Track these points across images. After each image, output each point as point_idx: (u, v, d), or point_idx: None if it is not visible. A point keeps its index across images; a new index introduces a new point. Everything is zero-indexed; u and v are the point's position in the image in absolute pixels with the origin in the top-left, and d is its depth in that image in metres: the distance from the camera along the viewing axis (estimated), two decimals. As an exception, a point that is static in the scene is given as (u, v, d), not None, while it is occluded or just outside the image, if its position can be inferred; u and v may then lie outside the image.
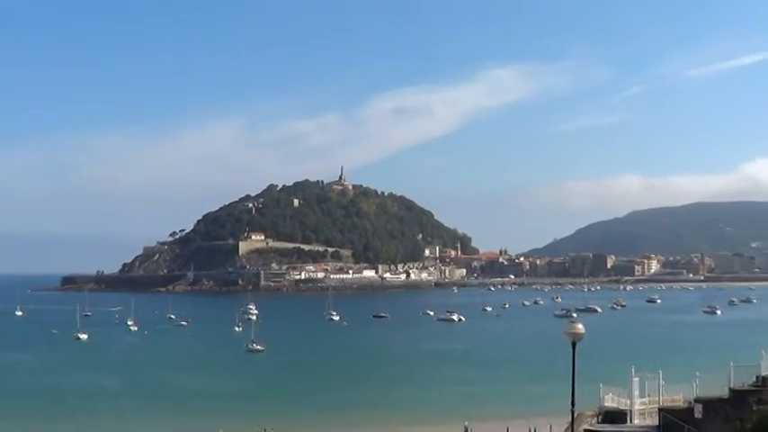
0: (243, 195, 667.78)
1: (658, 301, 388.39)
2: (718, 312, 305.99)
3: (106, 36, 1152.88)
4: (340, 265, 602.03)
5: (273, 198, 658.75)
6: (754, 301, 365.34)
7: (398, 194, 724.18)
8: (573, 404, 41.14)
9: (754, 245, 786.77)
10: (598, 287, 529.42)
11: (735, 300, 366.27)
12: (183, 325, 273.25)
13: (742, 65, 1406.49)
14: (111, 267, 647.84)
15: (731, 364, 68.74)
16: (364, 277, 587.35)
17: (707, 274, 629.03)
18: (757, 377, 65.70)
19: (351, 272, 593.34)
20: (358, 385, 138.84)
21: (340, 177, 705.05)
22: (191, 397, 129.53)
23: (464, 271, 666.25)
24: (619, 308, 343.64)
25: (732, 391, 66.07)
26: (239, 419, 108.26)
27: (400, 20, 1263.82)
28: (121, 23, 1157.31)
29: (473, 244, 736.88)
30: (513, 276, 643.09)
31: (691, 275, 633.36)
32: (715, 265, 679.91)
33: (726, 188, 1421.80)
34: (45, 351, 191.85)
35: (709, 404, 65.82)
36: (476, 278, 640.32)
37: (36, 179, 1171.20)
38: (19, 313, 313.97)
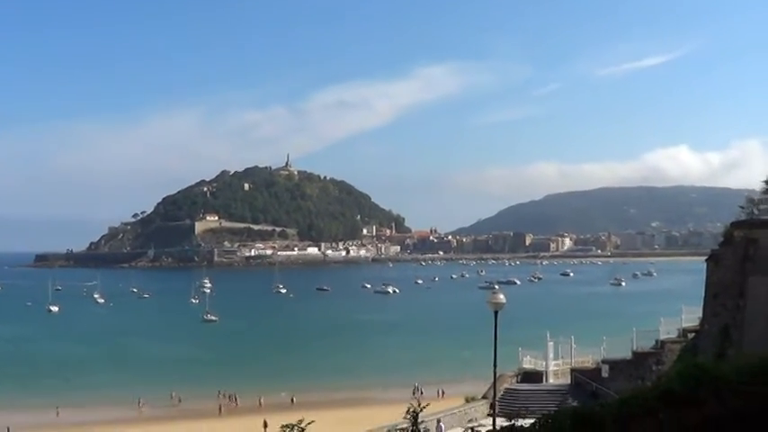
0: (198, 180, 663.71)
1: (571, 274, 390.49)
2: (623, 284, 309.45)
3: (72, 28, 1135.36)
4: (286, 242, 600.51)
5: (226, 183, 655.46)
6: (654, 274, 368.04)
7: (339, 179, 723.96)
8: (495, 366, 41.73)
9: (654, 225, 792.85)
10: (517, 262, 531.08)
11: (638, 273, 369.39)
12: (144, 297, 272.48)
13: (646, 66, 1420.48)
14: (80, 246, 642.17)
15: (634, 329, 70.00)
16: (308, 254, 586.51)
17: (613, 251, 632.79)
18: (656, 341, 66.85)
19: (296, 249, 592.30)
20: (303, 352, 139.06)
21: (286, 164, 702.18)
22: (152, 362, 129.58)
23: (398, 248, 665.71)
24: (536, 280, 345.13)
25: (634, 353, 67.22)
26: (195, 383, 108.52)
27: (342, 20, 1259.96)
28: (86, 16, 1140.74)
29: (406, 224, 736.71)
30: (442, 253, 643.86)
31: (599, 252, 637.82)
32: (620, 242, 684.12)
33: (630, 175, 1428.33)
34: (20, 322, 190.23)
35: (615, 365, 66.97)
36: (409, 254, 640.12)
37: (9, 166, 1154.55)
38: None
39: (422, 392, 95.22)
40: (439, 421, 49.26)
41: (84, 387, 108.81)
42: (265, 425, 78.72)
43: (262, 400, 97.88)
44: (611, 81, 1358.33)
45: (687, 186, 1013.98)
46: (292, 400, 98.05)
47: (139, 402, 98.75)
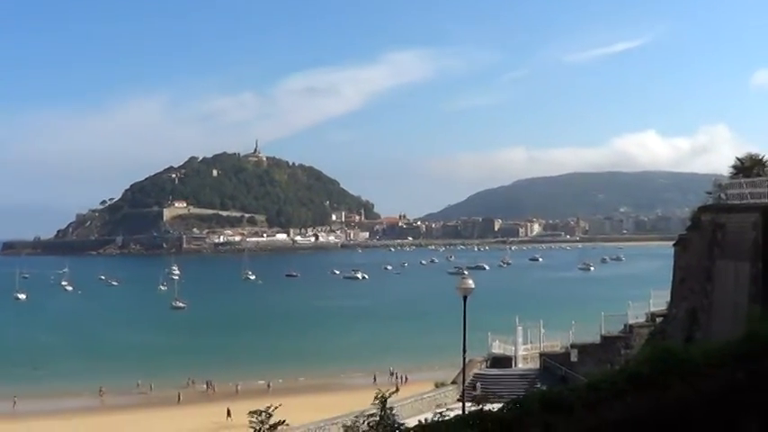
0: (167, 167, 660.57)
1: (540, 259, 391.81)
2: (592, 269, 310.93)
3: (37, 15, 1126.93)
4: (255, 229, 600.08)
5: (194, 169, 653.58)
6: (623, 259, 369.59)
7: (308, 165, 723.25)
8: (464, 351, 41.86)
9: (622, 210, 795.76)
10: (487, 247, 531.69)
11: (606, 258, 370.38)
12: (113, 285, 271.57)
13: (615, 52, 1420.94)
14: (47, 233, 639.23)
15: (602, 314, 70.32)
16: (277, 240, 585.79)
17: (582, 236, 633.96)
18: (625, 325, 67.25)
19: (265, 235, 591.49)
20: (272, 338, 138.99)
21: (255, 150, 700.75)
22: (120, 350, 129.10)
23: (367, 234, 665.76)
24: (505, 266, 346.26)
25: (603, 337, 67.63)
26: (165, 371, 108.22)
27: (311, 6, 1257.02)
28: (51, 3, 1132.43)
29: (375, 209, 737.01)
30: (411, 238, 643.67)
31: (568, 237, 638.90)
32: (589, 227, 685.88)
33: (598, 160, 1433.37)
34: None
35: (584, 349, 67.33)
36: (378, 240, 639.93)
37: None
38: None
39: (398, 377, 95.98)
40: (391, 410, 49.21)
41: (51, 375, 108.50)
42: (228, 413, 78.69)
43: (239, 387, 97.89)
44: (580, 67, 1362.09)
45: (655, 172, 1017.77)
46: (269, 385, 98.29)
47: (100, 391, 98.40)
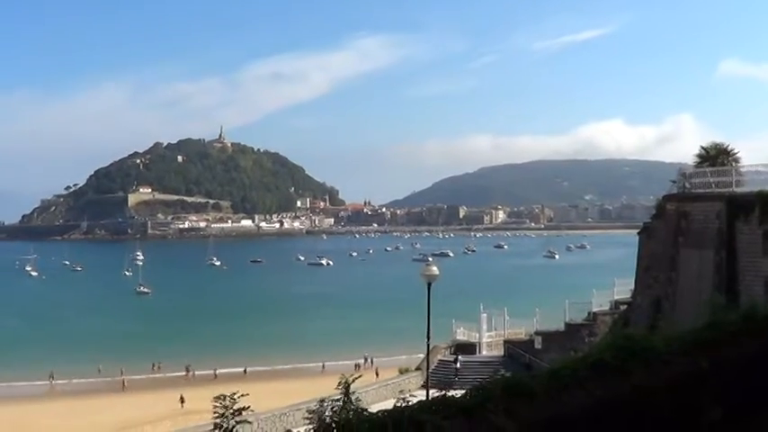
0: (131, 152, 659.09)
1: (505, 246, 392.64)
2: (557, 257, 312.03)
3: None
4: (220, 215, 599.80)
5: (159, 155, 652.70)
6: (588, 247, 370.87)
7: (273, 151, 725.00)
8: (428, 337, 42.01)
9: (587, 197, 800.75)
10: (452, 234, 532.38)
11: (571, 246, 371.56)
12: (77, 270, 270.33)
13: (582, 39, 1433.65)
14: (12, 218, 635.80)
15: (567, 301, 70.73)
16: (242, 226, 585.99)
17: (547, 223, 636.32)
18: (589, 313, 67.70)
19: (230, 221, 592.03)
20: (237, 323, 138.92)
21: (220, 136, 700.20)
22: (85, 335, 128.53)
23: (332, 220, 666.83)
24: (470, 253, 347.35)
25: (567, 325, 68.04)
26: (129, 356, 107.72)
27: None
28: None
29: (340, 196, 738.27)
30: (376, 225, 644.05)
31: (533, 224, 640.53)
32: (554, 215, 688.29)
33: (563, 148, 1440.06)
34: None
35: (548, 336, 67.68)
36: (343, 227, 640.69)
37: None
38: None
39: (372, 362, 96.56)
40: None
41: (17, 358, 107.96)
42: (182, 400, 78.48)
43: (217, 372, 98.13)
44: (547, 54, 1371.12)
45: (620, 160, 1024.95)
46: (245, 371, 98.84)
47: (51, 377, 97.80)
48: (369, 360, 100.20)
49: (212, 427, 8.41)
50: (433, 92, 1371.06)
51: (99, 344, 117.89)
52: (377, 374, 78.76)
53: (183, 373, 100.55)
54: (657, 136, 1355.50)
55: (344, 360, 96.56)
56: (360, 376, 10.67)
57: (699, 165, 48.77)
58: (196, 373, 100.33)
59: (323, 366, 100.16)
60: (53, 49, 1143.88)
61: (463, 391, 8.49)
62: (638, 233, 52.45)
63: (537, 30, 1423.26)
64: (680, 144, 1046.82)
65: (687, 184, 47.83)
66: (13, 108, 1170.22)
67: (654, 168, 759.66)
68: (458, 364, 67.84)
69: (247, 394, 9.22)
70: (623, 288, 63.68)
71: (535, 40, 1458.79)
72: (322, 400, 8.64)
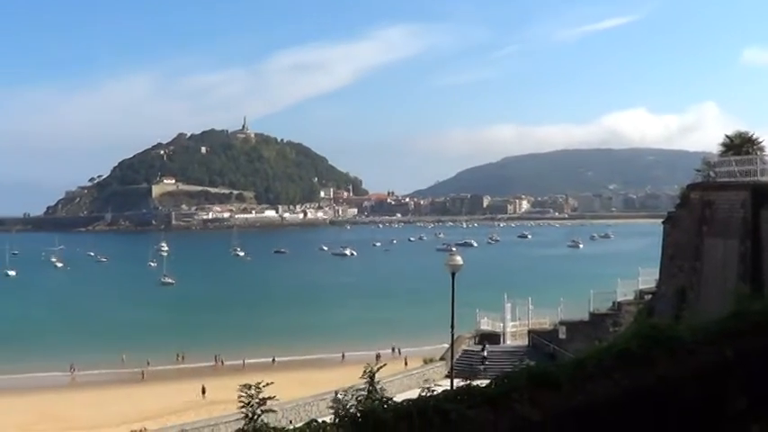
0: (155, 143, 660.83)
1: (528, 236, 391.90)
2: (581, 246, 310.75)
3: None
4: (244, 205, 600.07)
5: (183, 146, 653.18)
6: (612, 236, 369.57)
7: (296, 142, 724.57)
8: (452, 327, 41.94)
9: (611, 187, 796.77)
10: (475, 224, 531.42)
11: (595, 235, 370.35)
12: (102, 261, 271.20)
13: (605, 28, 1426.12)
14: (37, 210, 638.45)
15: (591, 291, 70.43)
16: (266, 216, 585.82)
17: (571, 213, 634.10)
18: (614, 303, 67.39)
19: (254, 212, 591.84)
20: (262, 313, 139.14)
21: (243, 126, 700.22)
22: (109, 326, 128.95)
23: (356, 210, 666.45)
24: (493, 242, 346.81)
25: (592, 314, 67.77)
26: (153, 346, 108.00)
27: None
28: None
29: (363, 186, 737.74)
30: (399, 215, 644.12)
31: (557, 214, 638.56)
32: (578, 204, 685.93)
33: (587, 137, 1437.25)
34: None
35: (572, 326, 67.49)
36: (366, 217, 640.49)
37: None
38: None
39: (399, 352, 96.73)
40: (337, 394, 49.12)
41: (44, 348, 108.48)
42: (203, 390, 78.61)
43: (245, 362, 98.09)
44: (570, 43, 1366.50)
45: (644, 149, 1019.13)
46: (273, 360, 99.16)
47: (71, 368, 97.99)
48: (396, 350, 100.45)
49: (236, 417, 8.47)
50: (456, 82, 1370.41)
51: (123, 334, 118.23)
52: (405, 363, 78.98)
53: (212, 363, 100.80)
54: (681, 125, 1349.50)
55: (369, 350, 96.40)
56: (384, 365, 10.68)
57: (723, 153, 48.54)
58: (225, 362, 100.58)
59: (342, 356, 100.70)
60: (78, 40, 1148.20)
61: (488, 381, 8.51)
62: (663, 222, 52.28)
63: (560, 19, 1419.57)
64: (704, 133, 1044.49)
65: (712, 173, 47.64)
66: (39, 100, 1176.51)
67: (678, 157, 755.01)
68: (485, 352, 67.99)
69: (272, 383, 9.26)
70: (648, 278, 63.43)
71: (558, 30, 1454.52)
72: (346, 390, 8.67)
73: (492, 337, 72.21)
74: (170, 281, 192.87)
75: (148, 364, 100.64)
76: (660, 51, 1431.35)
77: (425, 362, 69.35)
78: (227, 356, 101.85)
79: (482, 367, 64.16)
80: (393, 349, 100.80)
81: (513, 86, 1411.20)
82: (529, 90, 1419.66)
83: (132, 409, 73.15)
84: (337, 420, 7.71)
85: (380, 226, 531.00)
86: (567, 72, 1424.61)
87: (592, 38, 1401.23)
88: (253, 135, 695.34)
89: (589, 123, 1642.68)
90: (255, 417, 8.32)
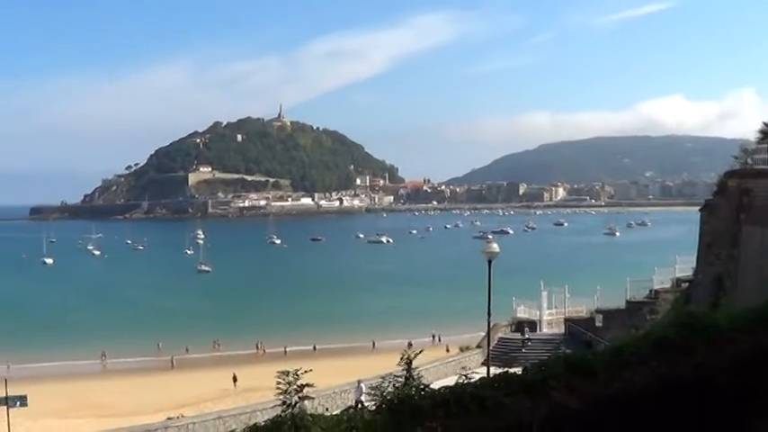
0: (191, 132, 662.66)
1: (565, 224, 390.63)
2: (617, 234, 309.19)
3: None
4: (280, 193, 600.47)
5: (219, 134, 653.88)
6: (649, 224, 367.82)
7: (332, 129, 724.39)
8: (489, 315, 41.92)
9: (648, 174, 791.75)
10: (511, 212, 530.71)
11: (632, 223, 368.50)
12: (139, 249, 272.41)
13: (643, 14, 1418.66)
14: (74, 198, 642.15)
15: (628, 279, 70.03)
16: (302, 204, 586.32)
17: (607, 201, 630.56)
18: (650, 291, 66.96)
19: (290, 199, 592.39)
20: (300, 301, 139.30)
21: (279, 114, 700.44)
22: (146, 313, 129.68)
23: (392, 198, 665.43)
24: (529, 230, 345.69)
25: (628, 302, 67.40)
26: (190, 334, 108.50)
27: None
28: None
29: (400, 173, 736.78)
30: (435, 203, 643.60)
31: (593, 201, 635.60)
32: (614, 192, 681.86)
33: (624, 124, 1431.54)
34: (14, 274, 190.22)
35: (609, 314, 67.15)
36: (402, 204, 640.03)
37: (4, 121, 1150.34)
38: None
39: (440, 340, 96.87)
40: (360, 382, 48.91)
41: (83, 335, 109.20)
42: (235, 378, 78.80)
43: (287, 349, 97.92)
44: (606, 30, 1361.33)
45: (682, 136, 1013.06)
46: (314, 348, 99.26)
47: (102, 356, 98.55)
48: (437, 337, 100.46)
49: (273, 404, 8.51)
50: (492, 69, 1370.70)
51: (160, 322, 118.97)
52: (447, 350, 78.98)
53: (253, 351, 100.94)
54: (719, 112, 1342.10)
55: (405, 338, 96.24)
56: (420, 352, 10.72)
57: (761, 141, 48.11)
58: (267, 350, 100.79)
59: (373, 344, 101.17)
60: (115, 29, 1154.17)
61: (523, 369, 8.53)
62: (700, 210, 51.88)
63: (595, 5, 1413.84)
64: (742, 120, 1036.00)
65: (749, 161, 47.24)
66: (76, 89, 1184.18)
67: (715, 145, 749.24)
68: (527, 334, 68.20)
69: (310, 370, 9.33)
70: (685, 266, 62.91)
71: (594, 16, 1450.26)
72: (384, 377, 8.72)
73: (528, 325, 72.03)
74: (206, 268, 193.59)
75: (187, 350, 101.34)
76: (698, 38, 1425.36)
77: (461, 349, 69.25)
78: (268, 344, 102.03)
79: (524, 348, 64.95)
80: (433, 337, 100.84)
81: (548, 73, 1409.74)
82: (564, 77, 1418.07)
83: (167, 397, 73.38)
84: (374, 407, 7.77)
85: (416, 213, 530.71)
86: (603, 59, 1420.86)
87: (628, 24, 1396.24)
88: (289, 123, 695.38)
89: (626, 110, 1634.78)
90: (293, 404, 8.38)
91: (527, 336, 68.13)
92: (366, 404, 8.84)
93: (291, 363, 11.65)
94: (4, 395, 43.51)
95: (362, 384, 48.04)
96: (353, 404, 30.88)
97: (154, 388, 79.46)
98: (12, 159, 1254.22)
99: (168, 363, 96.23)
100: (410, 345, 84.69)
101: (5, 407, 43.07)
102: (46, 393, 66.68)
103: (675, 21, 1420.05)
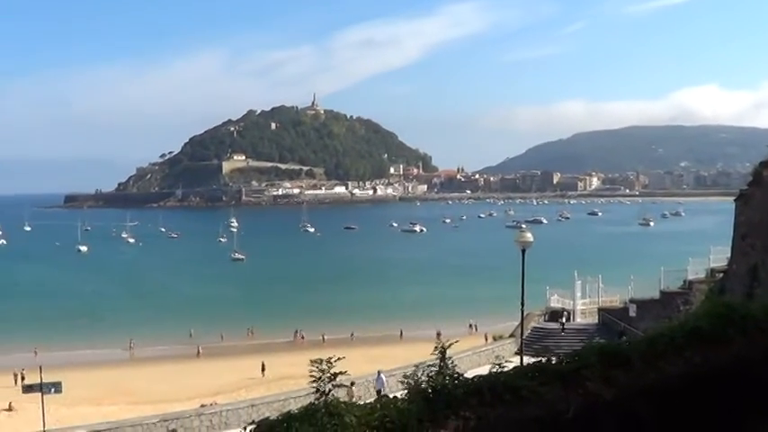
0: (225, 120, 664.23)
1: (599, 213, 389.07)
2: (652, 224, 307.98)
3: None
4: (314, 182, 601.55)
5: (253, 122, 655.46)
6: (683, 214, 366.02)
7: (366, 118, 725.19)
8: (522, 304, 41.83)
9: (682, 164, 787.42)
10: (545, 201, 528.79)
11: (666, 213, 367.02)
12: (173, 237, 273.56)
13: (675, 2, 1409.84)
14: (108, 186, 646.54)
15: (662, 269, 69.68)
16: (335, 193, 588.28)
17: (641, 190, 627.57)
18: (685, 281, 66.64)
19: (323, 188, 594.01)
20: (333, 289, 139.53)
21: (313, 103, 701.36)
22: (180, 301, 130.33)
23: (425, 187, 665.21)
24: (563, 220, 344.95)
25: (662, 293, 67.09)
26: (223, 322, 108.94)
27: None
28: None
29: (433, 162, 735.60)
30: (469, 192, 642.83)
31: (627, 191, 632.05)
32: (649, 182, 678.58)
33: (658, 114, 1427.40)
34: (49, 262, 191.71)
35: (643, 304, 66.88)
36: (436, 193, 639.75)
37: (37, 109, 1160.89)
38: (27, 228, 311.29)
39: (476, 329, 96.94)
40: (380, 373, 48.86)
41: (117, 323, 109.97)
42: (263, 367, 78.86)
43: (325, 336, 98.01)
44: (641, 18, 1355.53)
45: (716, 126, 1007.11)
46: (352, 335, 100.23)
47: (130, 344, 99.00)
48: (474, 326, 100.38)
49: (306, 392, 8.55)
50: (525, 57, 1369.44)
51: (193, 310, 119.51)
52: (486, 340, 79.02)
53: (290, 339, 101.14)
54: (754, 101, 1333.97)
55: (435, 328, 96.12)
56: (455, 342, 10.70)
57: (798, 130, 47.74)
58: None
59: (400, 334, 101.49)
60: (150, 19, 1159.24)
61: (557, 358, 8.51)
62: (735, 200, 51.50)
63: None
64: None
65: (786, 150, 46.89)
66: (111, 78, 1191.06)
67: (751, 135, 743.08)
68: (564, 319, 68.34)
69: (343, 357, 9.34)
70: (719, 256, 62.50)
71: (627, 4, 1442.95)
72: (417, 366, 8.72)
73: (562, 315, 71.88)
74: (240, 256, 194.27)
75: (222, 338, 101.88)
76: (733, 26, 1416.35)
77: (494, 338, 69.31)
78: (304, 332, 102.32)
79: (563, 333, 65.69)
80: (471, 326, 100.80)
81: (581, 62, 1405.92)
82: (598, 66, 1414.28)
83: (200, 384, 73.75)
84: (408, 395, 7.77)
85: (450, 202, 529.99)
86: (636, 47, 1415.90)
87: (662, 12, 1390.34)
88: (322, 111, 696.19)
89: (660, 99, 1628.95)
90: (327, 392, 8.41)
91: (564, 320, 68.34)
92: (387, 394, 8.85)
93: (329, 351, 11.71)
94: (39, 382, 43.76)
95: (383, 375, 48.10)
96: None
97: (185, 375, 79.79)
98: (47, 148, 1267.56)
99: (202, 350, 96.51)
100: (439, 334, 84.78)
101: (40, 393, 43.31)
102: (79, 380, 66.98)
103: (710, 9, 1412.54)
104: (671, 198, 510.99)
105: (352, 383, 45.56)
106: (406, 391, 8.09)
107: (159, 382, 77.23)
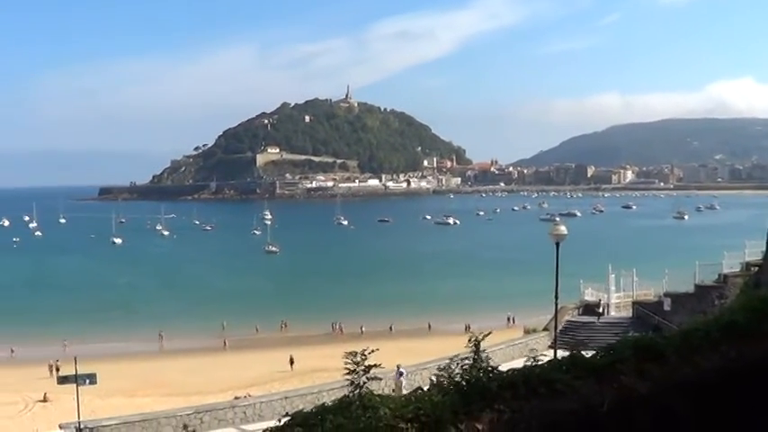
0: (259, 113, 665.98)
1: (633, 207, 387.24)
2: (686, 217, 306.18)
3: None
4: (347, 174, 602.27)
5: (287, 115, 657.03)
6: (718, 207, 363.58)
7: (399, 111, 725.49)
8: (557, 297, 41.75)
9: (717, 157, 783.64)
10: (579, 194, 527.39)
11: (701, 206, 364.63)
12: (207, 229, 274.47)
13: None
14: (143, 179, 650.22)
15: (697, 263, 69.31)
16: (369, 186, 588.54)
17: (676, 184, 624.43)
18: (719, 275, 66.24)
19: (357, 181, 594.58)
20: (367, 281, 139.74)
21: (346, 96, 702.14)
22: (215, 293, 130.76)
23: (459, 179, 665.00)
24: (597, 213, 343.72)
25: (697, 286, 66.74)
26: (257, 314, 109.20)
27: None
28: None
29: (467, 155, 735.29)
30: (503, 184, 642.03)
31: (662, 184, 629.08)
32: (683, 175, 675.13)
33: (693, 107, 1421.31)
34: (84, 254, 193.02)
35: (677, 298, 66.53)
36: (470, 186, 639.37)
37: (73, 102, 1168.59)
38: (62, 221, 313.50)
39: (513, 321, 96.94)
40: (399, 367, 48.67)
41: (152, 315, 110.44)
42: (291, 361, 78.90)
43: (363, 329, 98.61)
44: (676, 10, 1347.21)
45: (752, 119, 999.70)
46: (391, 328, 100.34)
47: (160, 336, 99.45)
48: (512, 319, 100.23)
49: (340, 384, 8.58)
50: (560, 49, 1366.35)
51: (227, 302, 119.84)
52: (525, 332, 79.04)
53: (325, 331, 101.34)
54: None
55: (470, 320, 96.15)
56: (489, 333, 10.66)
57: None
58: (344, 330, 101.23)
59: (429, 326, 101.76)
60: (183, 13, 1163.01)
61: (593, 352, 8.47)
62: (771, 193, 51.25)
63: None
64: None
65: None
66: (145, 72, 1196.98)
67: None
68: (600, 308, 68.48)
69: (377, 349, 9.35)
70: (754, 249, 61.99)
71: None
72: (452, 358, 8.71)
73: (596, 308, 71.65)
74: (274, 249, 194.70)
75: (257, 330, 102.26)
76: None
77: (527, 332, 69.16)
78: (327, 323, 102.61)
79: (598, 324, 66.14)
80: (508, 319, 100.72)
81: (616, 54, 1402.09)
82: (633, 58, 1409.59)
83: (231, 376, 74.01)
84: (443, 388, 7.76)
85: (483, 195, 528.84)
86: (672, 40, 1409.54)
87: (698, 4, 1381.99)
88: (356, 104, 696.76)
89: (695, 92, 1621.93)
90: (361, 384, 8.42)
91: (600, 309, 68.50)
92: (403, 390, 8.88)
93: (366, 343, 11.68)
94: (74, 373, 43.97)
95: (402, 370, 48.05)
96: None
97: (216, 368, 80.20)
98: (83, 140, 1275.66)
99: (232, 343, 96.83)
100: (467, 327, 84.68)
101: (75, 384, 43.52)
102: (113, 372, 67.39)
103: (745, 2, 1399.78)
104: (705, 191, 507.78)
105: (402, 373, 45.80)
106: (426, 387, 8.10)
107: (192, 373, 77.66)
